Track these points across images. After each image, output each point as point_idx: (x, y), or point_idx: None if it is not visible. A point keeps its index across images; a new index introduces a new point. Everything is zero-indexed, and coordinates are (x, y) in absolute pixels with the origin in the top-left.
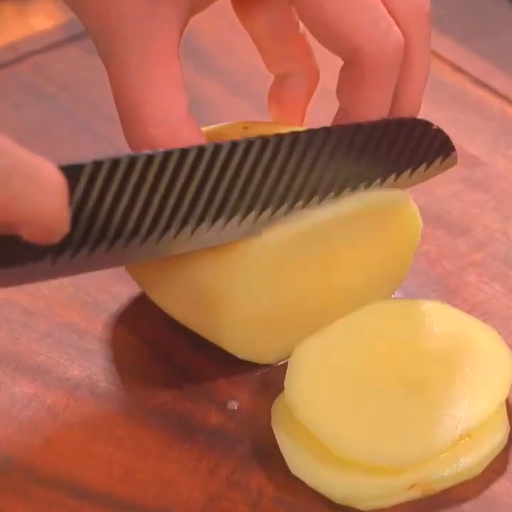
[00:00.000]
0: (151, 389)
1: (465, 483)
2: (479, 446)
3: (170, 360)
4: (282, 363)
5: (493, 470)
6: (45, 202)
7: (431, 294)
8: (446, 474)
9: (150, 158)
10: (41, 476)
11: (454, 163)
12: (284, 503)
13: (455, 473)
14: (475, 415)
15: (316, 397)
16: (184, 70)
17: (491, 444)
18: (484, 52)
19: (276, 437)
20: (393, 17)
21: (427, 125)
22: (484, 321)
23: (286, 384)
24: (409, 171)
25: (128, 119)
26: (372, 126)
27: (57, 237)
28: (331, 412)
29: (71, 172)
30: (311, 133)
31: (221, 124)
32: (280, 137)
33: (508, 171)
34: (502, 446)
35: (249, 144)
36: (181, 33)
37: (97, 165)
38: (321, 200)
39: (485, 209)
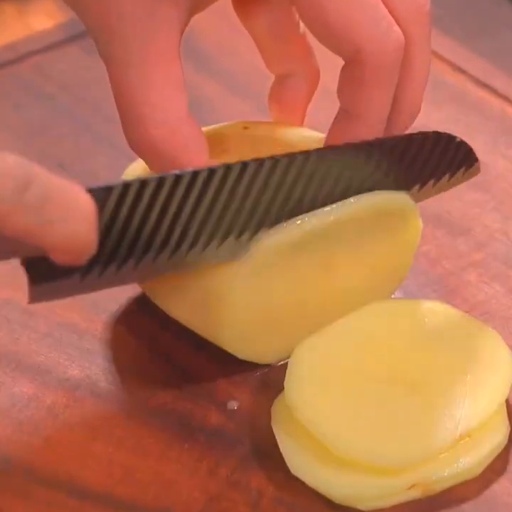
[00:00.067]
0: (151, 389)
1: (465, 484)
2: (479, 446)
3: (170, 360)
4: (282, 363)
5: (493, 470)
6: (76, 227)
7: (431, 294)
8: (446, 474)
9: (178, 178)
10: (41, 476)
11: (476, 172)
12: (284, 503)
13: (455, 474)
14: (475, 415)
15: (316, 397)
16: (184, 70)
17: (491, 444)
18: (484, 52)
19: (276, 437)
20: (393, 17)
21: (450, 138)
22: (484, 321)
23: (286, 384)
24: (432, 181)
25: (128, 119)
26: (396, 141)
27: (84, 259)
28: (331, 412)
29: (100, 195)
30: (334, 150)
31: (221, 124)
32: (306, 153)
33: (508, 171)
34: (502, 447)
35: (275, 161)
36: (182, 32)
37: (126, 187)
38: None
39: (485, 209)
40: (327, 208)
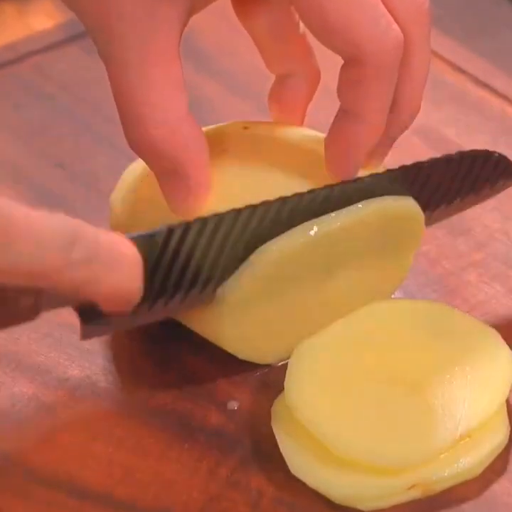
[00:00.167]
0: (151, 389)
1: (465, 484)
2: (479, 446)
3: (170, 360)
4: (282, 363)
5: (494, 470)
6: (122, 280)
7: (431, 294)
8: (446, 474)
9: (220, 219)
10: (41, 476)
11: None
12: (284, 503)
13: (455, 474)
14: (475, 415)
15: (316, 397)
16: (184, 71)
17: (491, 444)
18: (484, 52)
19: (276, 437)
20: (393, 16)
21: (488, 153)
22: (484, 321)
23: (286, 384)
24: (472, 194)
25: (128, 119)
26: (433, 163)
27: (130, 306)
28: (331, 412)
29: (144, 242)
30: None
31: (221, 124)
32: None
33: None
34: (502, 447)
35: (301, 196)
36: (181, 32)
37: (169, 232)
38: None
39: (485, 209)
40: (333, 214)
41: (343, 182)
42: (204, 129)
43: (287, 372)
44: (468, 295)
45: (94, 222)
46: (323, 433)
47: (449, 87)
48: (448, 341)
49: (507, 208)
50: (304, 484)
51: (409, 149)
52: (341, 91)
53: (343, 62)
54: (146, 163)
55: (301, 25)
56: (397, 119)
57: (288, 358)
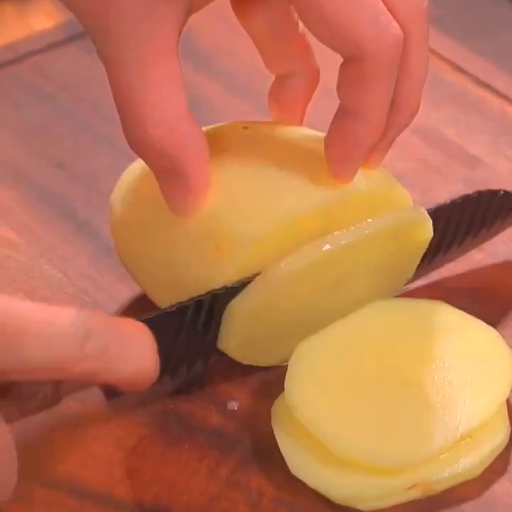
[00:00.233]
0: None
1: (465, 484)
2: (480, 446)
3: None
4: (281, 363)
5: (494, 470)
6: (137, 365)
7: (431, 293)
8: (446, 474)
9: (234, 289)
10: (41, 476)
11: None
12: (284, 503)
13: (455, 474)
14: (475, 415)
15: (316, 397)
16: (183, 70)
17: (491, 444)
18: (484, 52)
19: (276, 437)
20: (392, 15)
21: (492, 193)
22: (484, 321)
23: (286, 384)
24: (485, 229)
25: (127, 118)
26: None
27: (148, 385)
28: (331, 412)
29: (157, 323)
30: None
31: (221, 124)
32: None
33: (509, 171)
34: (503, 447)
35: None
36: (180, 31)
37: (183, 309)
38: None
39: None
40: (344, 231)
41: None
42: (204, 128)
43: (287, 372)
44: (468, 295)
45: (94, 222)
46: (323, 433)
47: (449, 87)
48: (448, 341)
49: None
50: (304, 484)
51: (409, 149)
52: (341, 89)
53: (342, 60)
54: (146, 162)
55: (300, 24)
56: (396, 118)
57: (288, 358)
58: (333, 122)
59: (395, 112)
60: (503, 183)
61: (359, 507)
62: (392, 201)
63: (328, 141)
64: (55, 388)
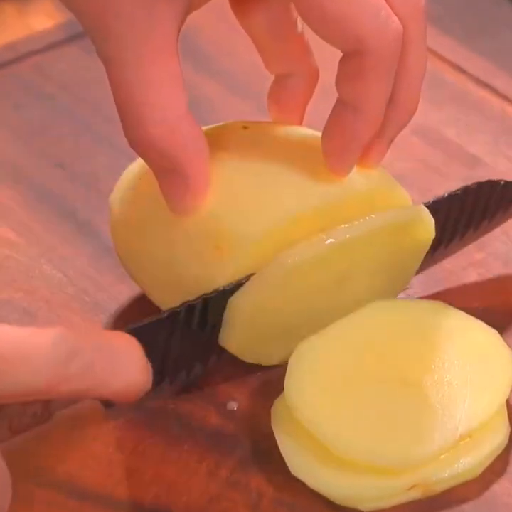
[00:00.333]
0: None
1: (465, 484)
2: (480, 446)
3: None
4: (282, 363)
5: (494, 471)
6: (127, 378)
7: (431, 294)
8: (446, 475)
9: (228, 290)
10: (41, 477)
11: None
12: (284, 503)
13: (455, 474)
14: (475, 416)
15: (316, 397)
16: (183, 70)
17: (491, 444)
18: (484, 52)
19: (276, 438)
20: None
21: (493, 183)
22: (484, 320)
23: (286, 384)
24: (486, 221)
25: (127, 118)
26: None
27: (142, 395)
28: (331, 412)
29: (146, 332)
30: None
31: (220, 124)
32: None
33: (509, 170)
34: (502, 447)
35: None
36: (179, 30)
37: (174, 314)
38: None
39: None
40: (346, 226)
41: None
42: (204, 128)
43: (287, 372)
44: (468, 295)
45: (94, 222)
46: (323, 433)
47: (449, 86)
48: (448, 341)
49: None
50: (303, 484)
51: (409, 149)
52: (340, 83)
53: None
54: (146, 162)
55: (299, 24)
56: (394, 116)
57: (288, 358)
58: (331, 116)
59: (394, 109)
60: None
61: (359, 507)
62: (391, 201)
63: (326, 134)
64: (45, 406)
